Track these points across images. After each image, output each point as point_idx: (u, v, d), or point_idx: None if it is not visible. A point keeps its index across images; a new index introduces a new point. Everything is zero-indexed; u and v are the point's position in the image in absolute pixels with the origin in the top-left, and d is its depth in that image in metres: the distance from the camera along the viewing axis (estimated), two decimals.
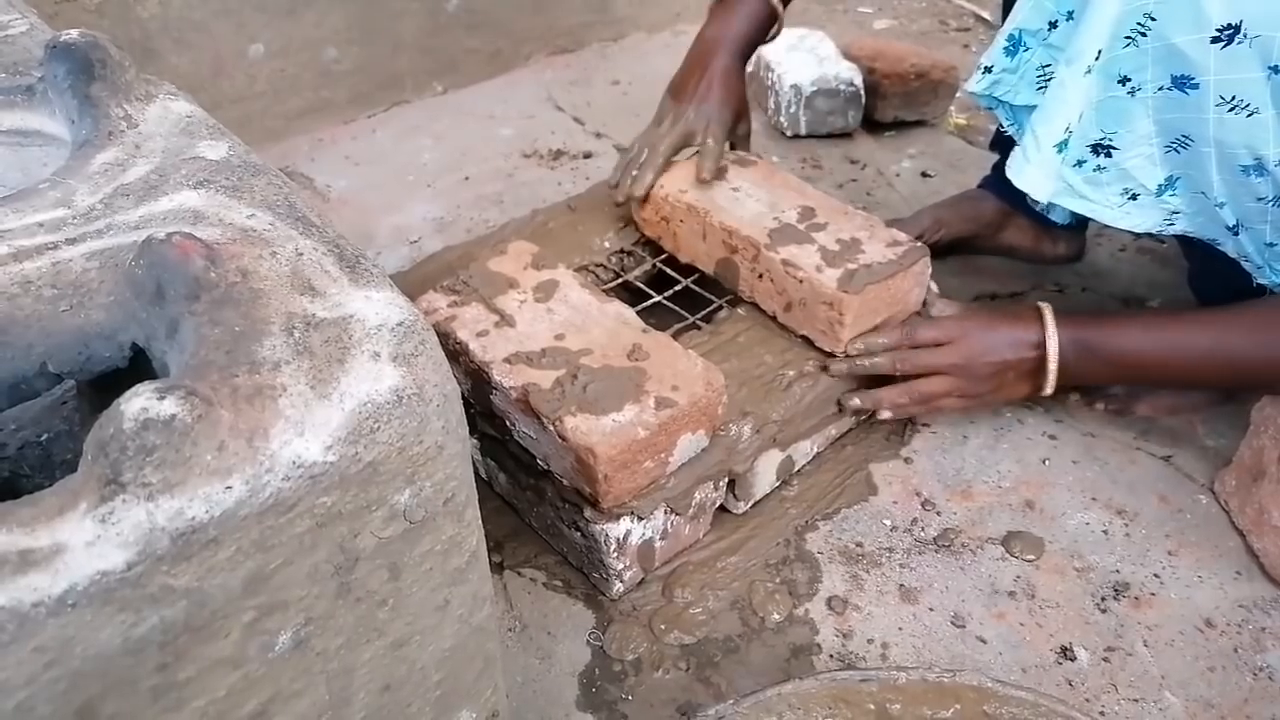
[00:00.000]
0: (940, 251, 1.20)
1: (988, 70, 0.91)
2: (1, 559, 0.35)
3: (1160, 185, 0.84)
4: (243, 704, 0.43)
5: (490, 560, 0.67)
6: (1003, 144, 1.27)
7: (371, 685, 0.49)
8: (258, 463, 0.39)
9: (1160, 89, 0.77)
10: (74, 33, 0.62)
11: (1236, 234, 0.83)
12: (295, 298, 0.47)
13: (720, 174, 1.08)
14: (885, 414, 0.97)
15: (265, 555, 0.40)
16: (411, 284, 1.03)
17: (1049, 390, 0.93)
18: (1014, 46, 0.88)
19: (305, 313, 0.47)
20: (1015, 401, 1.00)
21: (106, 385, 0.51)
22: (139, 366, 0.50)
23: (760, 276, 0.99)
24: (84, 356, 0.49)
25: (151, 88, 0.64)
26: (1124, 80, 0.78)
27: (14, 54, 0.71)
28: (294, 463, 0.40)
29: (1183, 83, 0.75)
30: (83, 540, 0.36)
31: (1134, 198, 0.85)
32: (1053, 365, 0.91)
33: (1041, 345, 0.91)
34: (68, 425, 0.61)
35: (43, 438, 0.61)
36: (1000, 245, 1.26)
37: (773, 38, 1.17)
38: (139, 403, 0.37)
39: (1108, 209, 0.87)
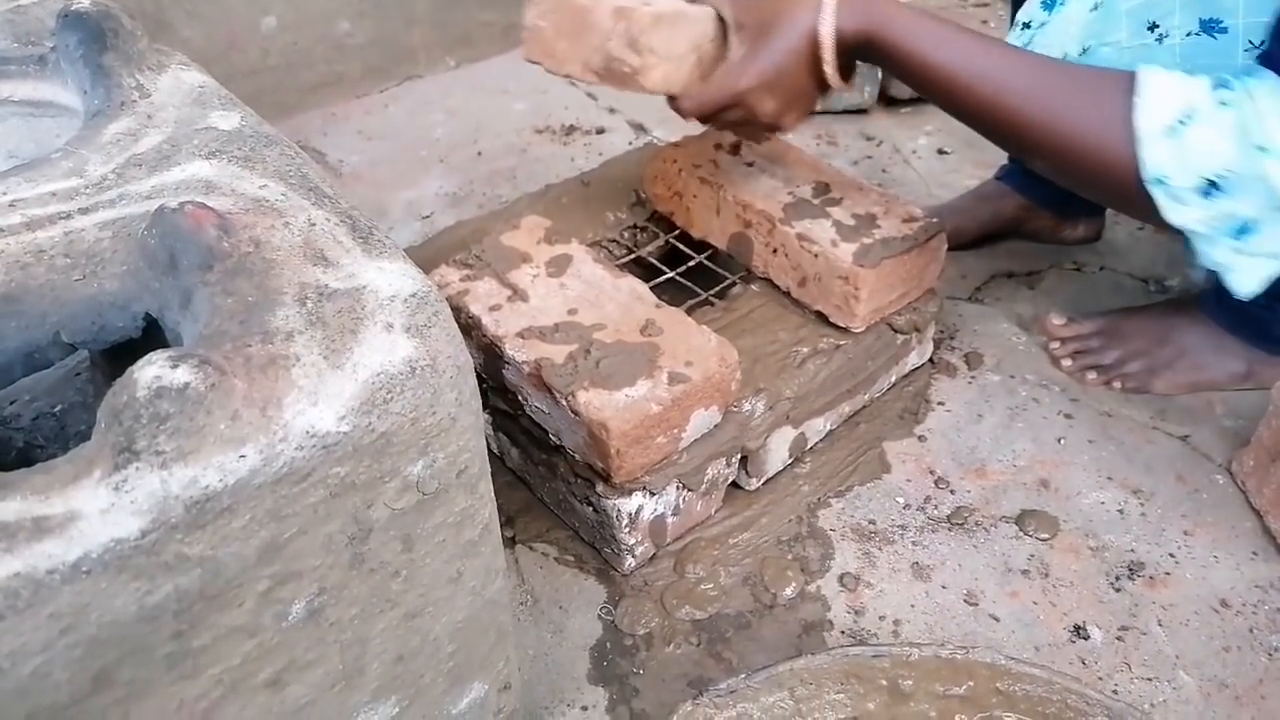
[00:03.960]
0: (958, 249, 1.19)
1: (1026, 26, 0.89)
2: (16, 526, 0.35)
3: None
4: (257, 672, 0.43)
5: (502, 535, 0.67)
6: None
7: (385, 655, 0.49)
8: (271, 432, 0.39)
9: (1189, 34, 0.76)
10: (86, 2, 0.61)
11: None
12: (308, 268, 0.47)
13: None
14: None
15: (279, 525, 0.40)
16: (424, 259, 1.03)
17: (834, 79, 0.83)
18: (1051, 2, 0.87)
19: (318, 283, 0.46)
20: (812, 99, 0.87)
21: (120, 356, 0.51)
22: (152, 337, 0.50)
23: (775, 251, 0.99)
24: (97, 326, 0.49)
25: (163, 58, 0.64)
26: (1152, 27, 0.77)
27: (26, 24, 0.71)
28: (307, 432, 0.40)
29: (1211, 26, 0.74)
30: (97, 508, 0.36)
31: None
32: (828, 56, 0.80)
33: (815, 32, 0.80)
34: (81, 397, 0.61)
35: (57, 409, 0.61)
36: (1020, 233, 1.25)
37: None
38: (152, 371, 0.36)
39: None
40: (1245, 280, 0.76)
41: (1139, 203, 0.74)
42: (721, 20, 0.87)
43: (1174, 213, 0.73)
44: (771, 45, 0.81)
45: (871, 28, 0.80)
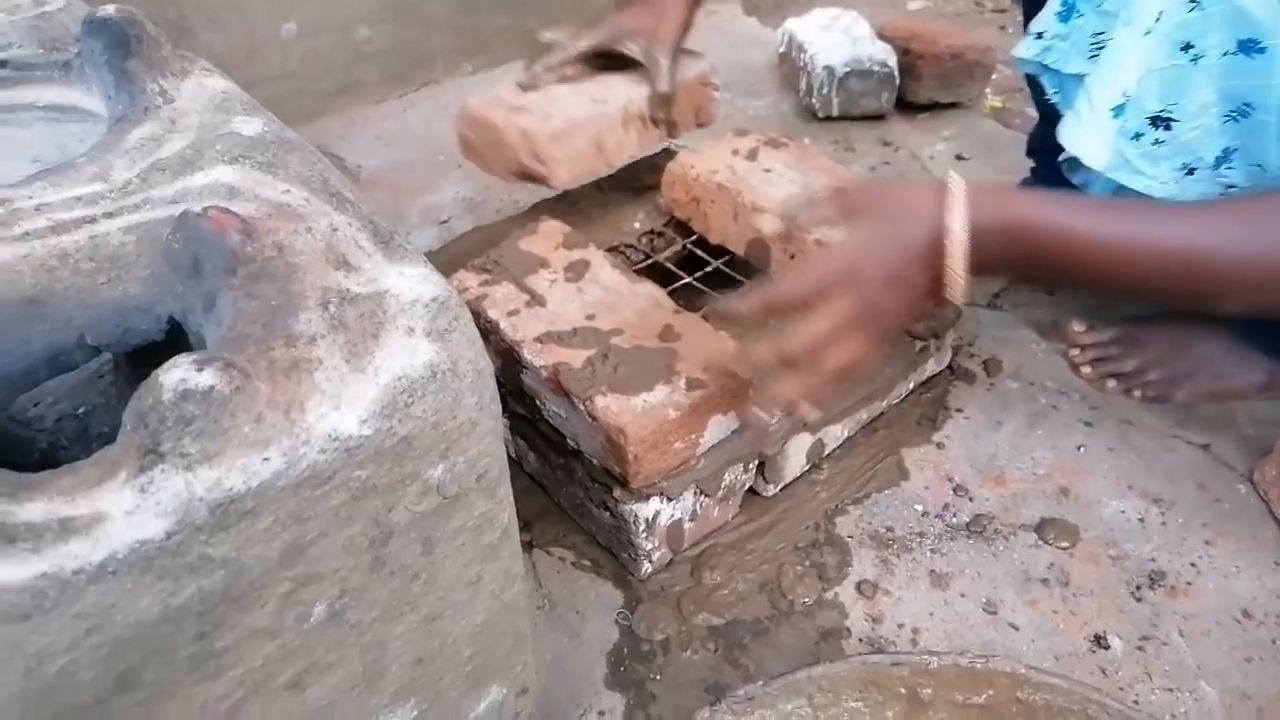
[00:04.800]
0: None
1: (1039, 36, 0.89)
2: (43, 527, 0.35)
3: (1218, 157, 0.82)
4: (278, 674, 0.43)
5: (519, 539, 0.67)
6: (1038, 150, 1.25)
7: (404, 658, 0.50)
8: (294, 435, 0.39)
9: (1225, 54, 0.75)
10: (111, 8, 0.62)
11: None
12: (330, 272, 0.47)
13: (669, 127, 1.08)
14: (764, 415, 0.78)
15: (301, 527, 0.40)
16: (442, 263, 1.02)
17: (959, 295, 0.72)
18: (1067, 12, 0.86)
19: (340, 287, 0.47)
20: (925, 310, 0.79)
21: (142, 359, 0.51)
22: (175, 340, 0.50)
23: (793, 257, 0.98)
24: (121, 329, 0.49)
25: (187, 63, 0.65)
26: (1187, 47, 0.76)
27: (51, 30, 0.71)
28: (330, 435, 0.40)
29: (1249, 46, 0.73)
30: (122, 509, 0.36)
31: (1190, 172, 0.83)
32: (958, 253, 0.70)
33: (940, 227, 0.71)
34: (104, 399, 0.62)
35: (80, 411, 0.61)
36: None
37: None
38: (178, 374, 0.37)
39: (1163, 185, 0.84)
40: None
41: None
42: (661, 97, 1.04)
43: None
44: (893, 229, 0.71)
45: (1011, 216, 0.71)
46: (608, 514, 0.84)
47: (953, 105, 1.62)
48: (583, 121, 1.01)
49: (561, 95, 1.03)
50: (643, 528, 0.82)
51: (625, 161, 1.08)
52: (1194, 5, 0.75)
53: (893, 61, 1.55)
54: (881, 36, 1.62)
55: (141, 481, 0.36)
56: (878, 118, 1.59)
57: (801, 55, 1.61)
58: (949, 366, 1.09)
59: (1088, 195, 0.78)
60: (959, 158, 1.50)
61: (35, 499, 0.36)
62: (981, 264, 0.71)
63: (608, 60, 1.07)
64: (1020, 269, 0.74)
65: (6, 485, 0.37)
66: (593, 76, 1.07)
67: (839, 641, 0.83)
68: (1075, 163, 0.89)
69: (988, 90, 1.65)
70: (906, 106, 1.61)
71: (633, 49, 1.05)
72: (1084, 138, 0.84)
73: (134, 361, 0.54)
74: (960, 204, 0.70)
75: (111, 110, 0.61)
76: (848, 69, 1.53)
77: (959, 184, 0.71)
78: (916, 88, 1.59)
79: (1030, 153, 1.27)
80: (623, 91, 1.05)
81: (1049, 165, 1.22)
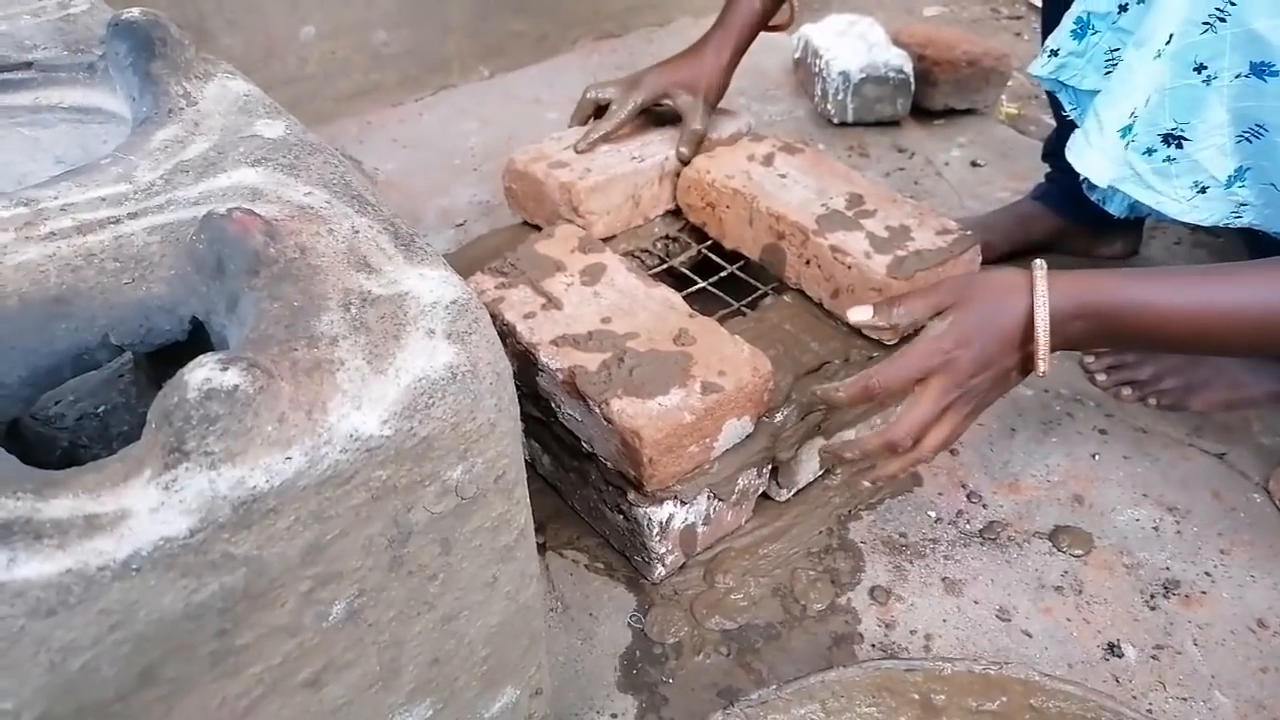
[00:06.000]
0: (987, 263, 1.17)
1: (1054, 54, 0.89)
2: (68, 523, 0.36)
3: (1230, 176, 0.82)
4: (297, 672, 0.43)
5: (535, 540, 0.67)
6: (1054, 154, 1.25)
7: (421, 658, 0.50)
8: (316, 435, 0.40)
9: (1238, 76, 0.75)
10: (135, 11, 0.63)
11: None
12: (352, 274, 0.48)
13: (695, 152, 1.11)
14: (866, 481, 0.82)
15: (322, 526, 0.41)
16: (459, 266, 1.03)
17: (1044, 371, 0.75)
18: (1081, 29, 0.86)
19: (362, 289, 0.47)
20: (1014, 384, 0.81)
21: (163, 359, 0.52)
22: (196, 340, 0.51)
23: (808, 262, 0.99)
24: (145, 329, 0.50)
25: (210, 66, 0.65)
26: (1200, 68, 0.77)
27: (76, 32, 0.72)
28: (351, 435, 0.40)
29: (1262, 69, 0.73)
30: (147, 506, 0.36)
31: (1203, 191, 0.83)
32: (1043, 339, 0.73)
33: (1028, 316, 0.74)
34: (124, 398, 0.62)
35: (100, 410, 0.62)
36: (1054, 249, 1.24)
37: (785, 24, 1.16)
38: (203, 373, 0.37)
39: (1175, 203, 0.85)
40: None
41: None
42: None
43: None
44: (985, 319, 0.75)
45: (1088, 300, 0.74)
46: (621, 517, 0.85)
47: (968, 112, 1.62)
48: (620, 177, 1.06)
49: (602, 152, 1.09)
50: (656, 531, 0.83)
51: (658, 214, 1.13)
52: (1207, 27, 0.75)
53: (908, 68, 1.55)
54: (897, 43, 1.62)
55: (166, 479, 0.37)
56: (893, 124, 1.59)
57: (817, 61, 1.61)
58: None
59: (1158, 269, 0.81)
60: (974, 164, 1.49)
61: (61, 496, 0.36)
62: (1066, 344, 0.76)
63: (647, 113, 1.13)
64: (1101, 342, 0.79)
65: (32, 482, 0.37)
66: (634, 134, 1.13)
67: (851, 647, 0.83)
68: None
69: (1003, 97, 1.65)
70: (922, 113, 1.61)
71: (671, 99, 1.11)
72: (1091, 157, 0.85)
73: (155, 361, 0.55)
74: (1044, 294, 0.74)
75: (135, 112, 0.61)
76: (863, 75, 1.53)
77: (1042, 275, 0.74)
78: (932, 94, 1.59)
79: (1045, 157, 1.27)
80: (659, 149, 1.10)
81: (1065, 170, 1.22)
